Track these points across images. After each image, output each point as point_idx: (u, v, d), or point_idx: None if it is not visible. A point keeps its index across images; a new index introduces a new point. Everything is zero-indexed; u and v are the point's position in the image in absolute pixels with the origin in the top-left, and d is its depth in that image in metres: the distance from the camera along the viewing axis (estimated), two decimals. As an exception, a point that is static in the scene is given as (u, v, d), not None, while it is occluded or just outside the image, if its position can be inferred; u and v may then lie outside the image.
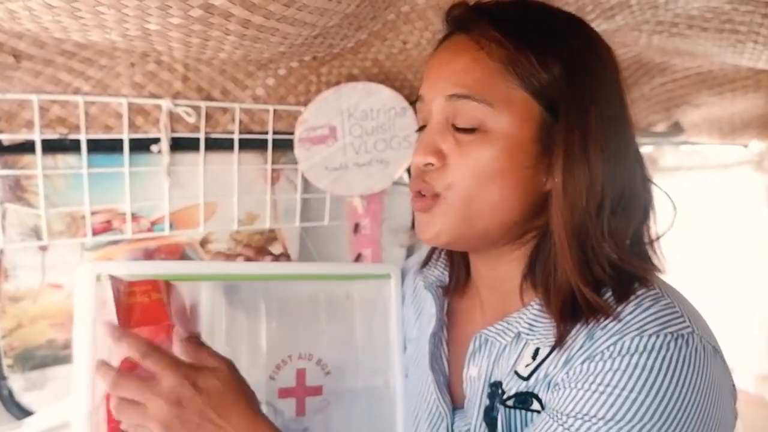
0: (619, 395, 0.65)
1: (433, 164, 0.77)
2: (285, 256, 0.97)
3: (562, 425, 0.68)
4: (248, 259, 0.93)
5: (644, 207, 0.79)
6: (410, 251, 1.65)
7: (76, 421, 0.77)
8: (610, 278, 0.72)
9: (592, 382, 0.67)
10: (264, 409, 0.87)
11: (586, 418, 0.66)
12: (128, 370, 0.76)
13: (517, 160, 0.74)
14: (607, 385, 0.66)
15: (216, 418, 0.71)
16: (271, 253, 0.95)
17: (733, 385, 0.74)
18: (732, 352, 0.73)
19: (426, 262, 0.98)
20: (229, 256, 0.93)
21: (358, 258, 1.50)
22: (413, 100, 1.39)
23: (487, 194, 0.75)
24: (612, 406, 0.65)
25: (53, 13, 0.79)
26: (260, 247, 0.96)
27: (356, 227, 1.48)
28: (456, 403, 0.87)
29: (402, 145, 1.37)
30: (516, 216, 0.77)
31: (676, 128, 2.00)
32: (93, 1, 0.76)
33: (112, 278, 0.79)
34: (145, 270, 0.84)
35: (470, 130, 0.74)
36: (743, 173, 2.61)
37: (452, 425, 0.85)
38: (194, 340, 0.80)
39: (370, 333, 0.99)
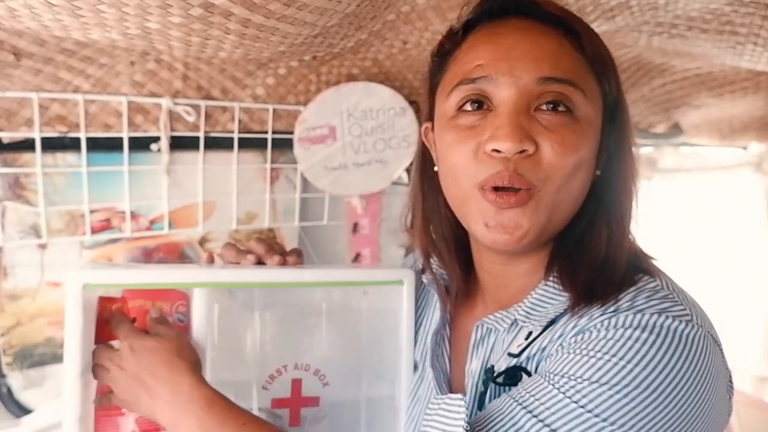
0: (608, 361, 0.64)
1: (528, 150, 0.71)
2: (295, 254, 0.91)
3: (548, 381, 0.67)
4: (258, 257, 0.89)
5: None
6: (409, 251, 1.65)
7: (67, 427, 0.77)
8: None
9: (584, 348, 0.67)
10: (261, 414, 0.86)
11: (572, 377, 0.66)
12: None
13: (593, 151, 0.76)
14: (598, 351, 0.65)
15: (146, 376, 0.77)
16: (282, 253, 0.91)
17: (730, 380, 0.73)
18: (730, 354, 0.72)
19: (423, 270, 0.95)
20: (240, 252, 0.90)
21: (356, 258, 1.50)
22: (413, 99, 1.40)
23: (574, 184, 0.74)
24: (599, 369, 0.64)
25: (53, 12, 0.79)
26: (272, 243, 0.92)
27: (355, 227, 1.48)
28: None
29: (401, 145, 1.37)
30: (577, 209, 0.77)
31: (676, 129, 2.01)
32: (93, -1, 0.76)
33: (101, 298, 0.81)
34: (136, 278, 0.82)
35: (564, 116, 0.72)
36: (742, 175, 2.61)
37: None
38: (159, 319, 0.85)
39: (377, 343, 0.94)
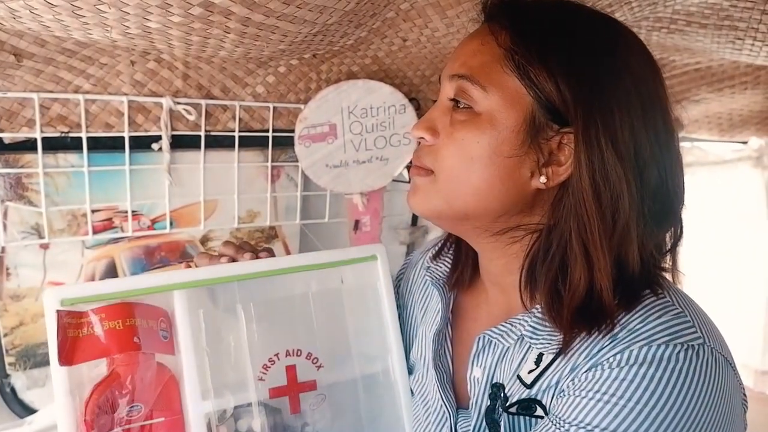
0: (624, 406, 0.64)
1: (425, 139, 0.79)
2: (266, 252, 0.92)
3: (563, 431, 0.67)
4: (232, 259, 0.89)
5: (672, 217, 0.76)
6: (410, 248, 1.65)
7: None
8: (619, 284, 0.70)
9: (597, 391, 0.66)
10: (257, 410, 0.86)
11: (589, 428, 0.65)
12: (100, 394, 0.78)
13: (498, 148, 0.73)
14: (612, 395, 0.65)
15: None
16: (253, 251, 0.91)
17: (744, 397, 0.73)
18: (732, 348, 0.72)
19: (438, 253, 0.97)
20: (212, 258, 0.90)
21: (358, 255, 1.50)
22: (413, 97, 1.40)
23: (469, 177, 0.75)
24: (616, 417, 0.64)
25: (54, 12, 0.80)
26: (241, 243, 0.93)
27: (356, 224, 1.49)
28: (460, 402, 0.86)
29: (402, 143, 1.37)
30: (498, 205, 0.76)
31: (676, 124, 2.01)
32: (94, -1, 0.76)
33: (59, 312, 0.76)
34: (114, 288, 0.81)
35: (465, 112, 0.76)
36: (742, 169, 2.61)
37: (455, 425, 0.85)
38: None
39: (361, 320, 0.96)
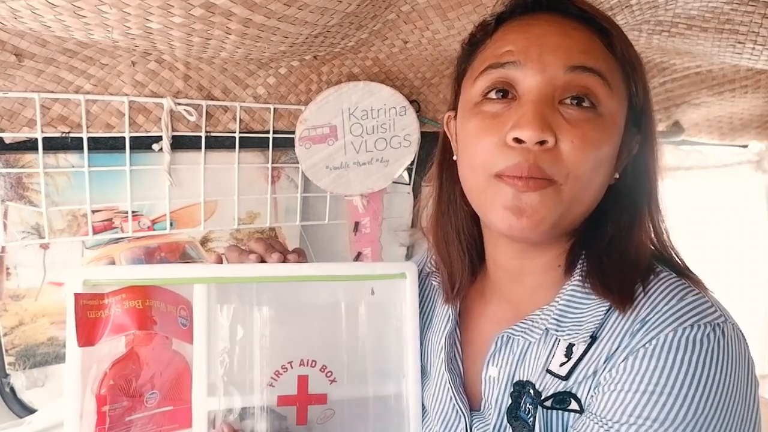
0: (669, 394, 0.65)
1: (548, 142, 0.69)
2: (296, 253, 0.90)
3: (607, 431, 0.67)
4: (259, 256, 0.87)
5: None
6: (410, 250, 1.65)
7: (68, 424, 0.77)
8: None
9: (639, 383, 0.66)
10: (263, 414, 0.85)
11: (632, 420, 0.65)
12: (118, 371, 0.78)
13: (616, 149, 0.75)
14: (656, 385, 0.65)
15: None
16: (283, 251, 0.89)
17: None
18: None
19: (431, 272, 0.95)
20: (243, 252, 0.89)
21: (358, 257, 1.50)
22: (413, 99, 1.40)
23: (595, 181, 0.73)
24: (664, 406, 0.65)
25: (55, 12, 0.80)
26: (272, 242, 0.90)
27: (356, 226, 1.49)
28: (472, 405, 0.85)
29: (402, 144, 1.37)
30: (593, 207, 0.77)
31: (676, 128, 2.01)
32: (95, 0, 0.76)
33: (77, 295, 0.78)
34: (135, 274, 0.82)
35: (589, 110, 0.71)
36: (743, 173, 2.61)
37: (471, 427, 0.83)
38: None
39: (381, 339, 0.92)
